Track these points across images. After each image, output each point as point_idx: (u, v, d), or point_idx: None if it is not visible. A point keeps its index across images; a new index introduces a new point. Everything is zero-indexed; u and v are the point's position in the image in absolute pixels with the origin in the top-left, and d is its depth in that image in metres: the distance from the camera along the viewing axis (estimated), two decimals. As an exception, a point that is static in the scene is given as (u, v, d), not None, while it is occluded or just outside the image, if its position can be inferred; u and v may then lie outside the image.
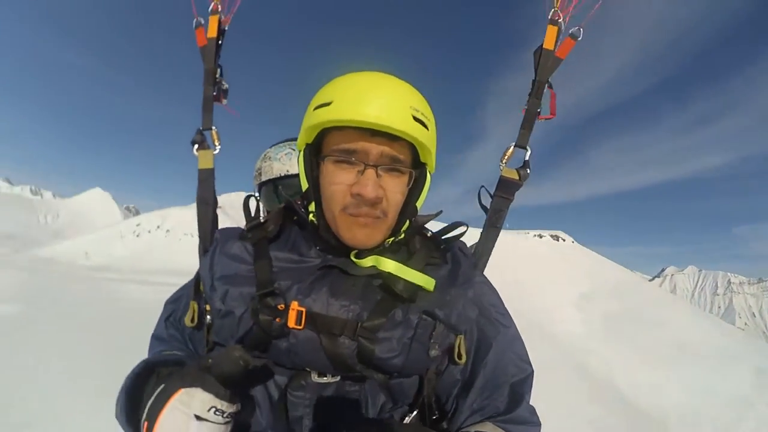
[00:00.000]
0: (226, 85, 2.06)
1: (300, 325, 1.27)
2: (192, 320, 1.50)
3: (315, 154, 1.37)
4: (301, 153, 1.40)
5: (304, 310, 1.28)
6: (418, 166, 1.39)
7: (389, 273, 1.31)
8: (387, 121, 1.21)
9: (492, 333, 1.44)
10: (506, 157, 1.85)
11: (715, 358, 20.76)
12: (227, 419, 1.10)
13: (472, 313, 1.40)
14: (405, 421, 1.33)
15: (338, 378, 1.31)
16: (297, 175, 2.28)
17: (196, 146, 1.95)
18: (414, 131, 1.25)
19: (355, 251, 1.37)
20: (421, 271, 1.34)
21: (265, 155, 2.67)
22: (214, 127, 1.98)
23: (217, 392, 1.08)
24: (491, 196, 1.84)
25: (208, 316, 1.42)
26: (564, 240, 49.90)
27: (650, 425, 15.41)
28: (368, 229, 1.32)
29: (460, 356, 1.36)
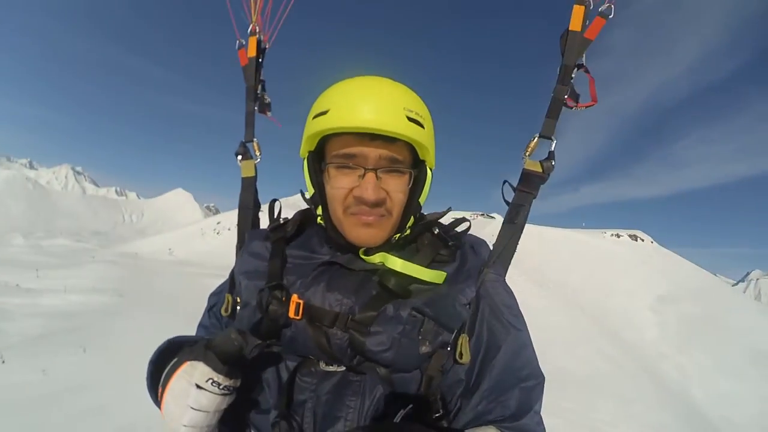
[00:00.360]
0: (268, 99, 2.18)
1: (298, 315, 1.35)
2: (226, 310, 1.61)
3: (318, 160, 1.43)
4: (305, 160, 1.45)
5: (302, 302, 1.36)
6: (417, 163, 1.44)
7: (388, 269, 1.37)
8: (382, 125, 1.26)
9: (502, 335, 1.42)
10: (530, 149, 1.78)
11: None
12: (223, 391, 1.23)
13: (466, 313, 1.39)
14: (399, 416, 1.31)
15: (343, 368, 1.37)
16: None
17: (240, 157, 2.08)
18: (409, 131, 1.29)
19: (363, 249, 1.42)
20: (426, 267, 1.39)
21: None
22: (255, 139, 2.10)
23: (215, 367, 1.21)
24: (514, 191, 1.77)
25: (238, 307, 1.53)
26: (643, 240, 48.80)
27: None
28: (372, 229, 1.37)
29: (461, 356, 1.37)
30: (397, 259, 1.36)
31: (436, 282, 1.38)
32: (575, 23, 1.75)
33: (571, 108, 1.80)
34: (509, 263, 1.71)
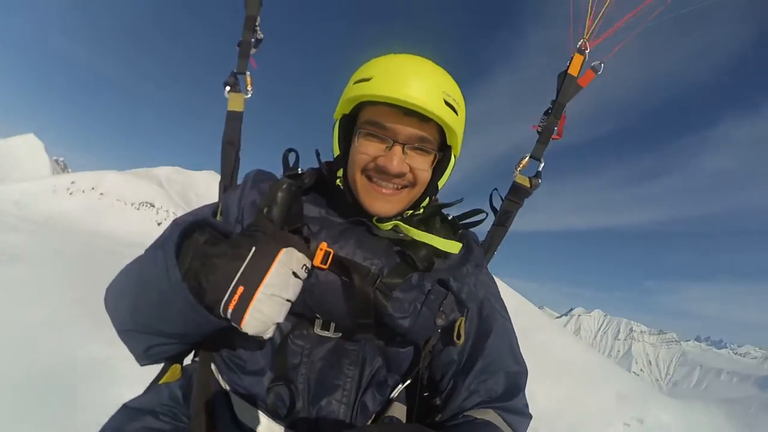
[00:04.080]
0: (261, 35, 2.05)
1: (325, 264, 1.27)
2: None
3: (350, 125, 1.42)
4: (337, 122, 1.44)
5: (332, 251, 1.29)
6: (444, 148, 1.43)
7: (412, 239, 1.41)
8: (420, 102, 1.25)
9: (492, 321, 1.48)
10: (521, 166, 1.99)
11: (586, 379, 24.03)
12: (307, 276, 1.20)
13: (481, 293, 1.47)
14: (397, 391, 1.37)
15: (339, 335, 1.37)
16: None
17: (228, 88, 1.96)
18: (444, 114, 1.29)
19: (375, 217, 1.42)
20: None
21: None
22: (248, 72, 2.02)
23: (305, 250, 1.19)
24: (502, 199, 1.99)
25: None
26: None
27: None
28: (387, 202, 1.38)
29: (459, 336, 1.39)
30: (415, 229, 1.41)
31: (453, 251, 1.44)
32: (574, 68, 1.97)
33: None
34: (491, 259, 2.00)
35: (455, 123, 1.34)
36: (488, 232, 2.00)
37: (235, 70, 2.02)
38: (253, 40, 2.04)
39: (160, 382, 1.54)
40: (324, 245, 1.29)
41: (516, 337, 1.54)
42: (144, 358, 1.29)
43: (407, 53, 1.40)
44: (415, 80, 1.28)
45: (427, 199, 1.48)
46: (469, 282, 1.40)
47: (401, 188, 1.39)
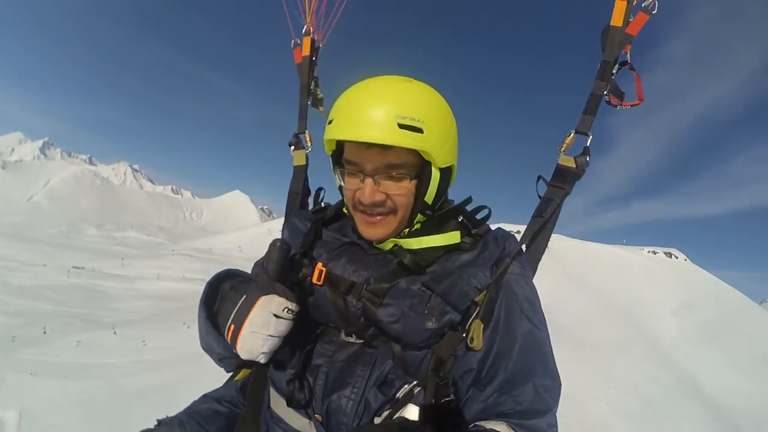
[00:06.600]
0: (321, 95, 2.32)
1: (320, 281, 1.48)
2: None
3: (339, 159, 1.52)
4: (330, 158, 1.57)
5: (325, 270, 1.49)
6: (425, 164, 1.44)
7: (407, 248, 1.48)
8: (371, 138, 1.32)
9: (520, 328, 1.42)
10: (565, 145, 1.79)
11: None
12: (294, 317, 1.36)
13: (474, 294, 1.43)
14: (402, 391, 1.38)
15: (362, 341, 1.48)
16: None
17: (292, 147, 2.25)
18: (400, 139, 1.32)
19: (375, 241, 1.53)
20: (448, 251, 1.49)
21: None
22: (307, 131, 2.26)
23: (288, 296, 1.34)
24: (547, 186, 1.79)
25: None
26: (677, 257, 51.57)
27: (726, 425, 17.83)
28: (377, 228, 1.48)
29: (472, 341, 1.37)
30: (411, 239, 1.49)
31: (452, 242, 1.49)
32: (617, 18, 1.77)
33: (616, 107, 1.81)
34: (538, 261, 1.79)
35: (419, 141, 1.35)
36: (527, 226, 1.81)
37: (296, 131, 2.30)
38: (310, 102, 2.34)
39: (235, 379, 1.90)
40: (320, 265, 1.50)
41: (551, 347, 1.48)
42: (222, 366, 1.60)
43: (364, 82, 1.47)
44: (365, 116, 1.34)
45: (419, 214, 1.52)
46: (460, 283, 1.43)
47: (388, 214, 1.47)
